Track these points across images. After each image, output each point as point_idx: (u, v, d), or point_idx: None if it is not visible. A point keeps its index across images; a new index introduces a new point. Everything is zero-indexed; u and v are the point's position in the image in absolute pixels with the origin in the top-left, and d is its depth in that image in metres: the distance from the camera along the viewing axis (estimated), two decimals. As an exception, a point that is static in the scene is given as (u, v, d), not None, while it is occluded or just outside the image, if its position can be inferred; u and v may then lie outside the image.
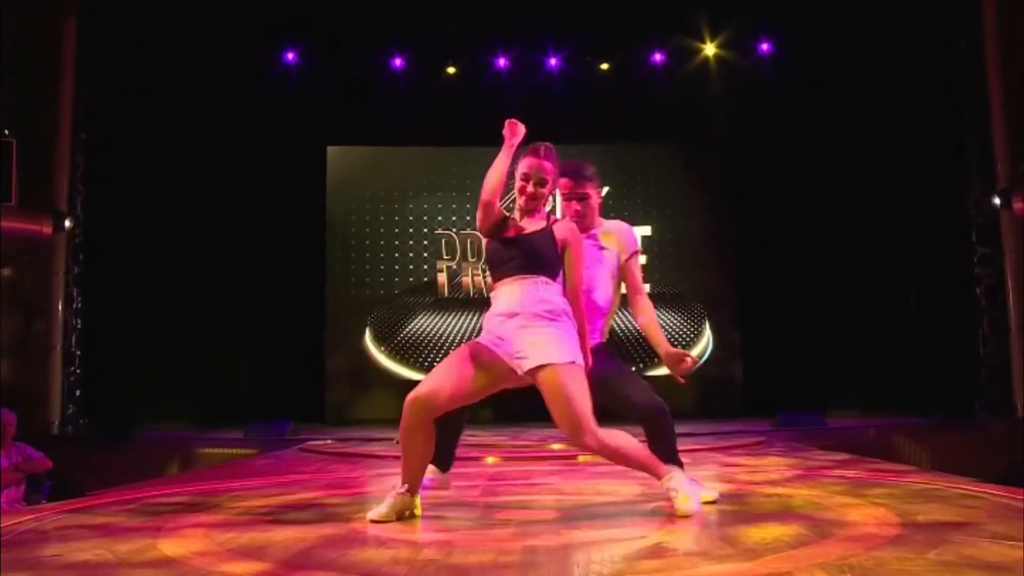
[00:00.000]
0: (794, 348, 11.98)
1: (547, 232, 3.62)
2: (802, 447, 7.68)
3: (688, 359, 3.85)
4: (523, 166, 3.66)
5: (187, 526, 3.46)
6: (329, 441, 8.76)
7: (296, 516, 3.76)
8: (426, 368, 13.24)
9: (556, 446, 7.86)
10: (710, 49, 12.68)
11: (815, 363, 11.82)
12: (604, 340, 4.00)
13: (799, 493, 4.21)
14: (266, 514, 3.80)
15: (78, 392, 11.07)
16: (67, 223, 10.82)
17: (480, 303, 13.56)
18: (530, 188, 3.63)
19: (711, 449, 7.37)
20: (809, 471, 5.35)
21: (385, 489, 5.02)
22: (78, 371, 11.11)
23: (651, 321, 4.00)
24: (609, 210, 14.75)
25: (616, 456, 3.54)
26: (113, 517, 3.73)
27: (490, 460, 6.67)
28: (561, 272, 3.63)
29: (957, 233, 11.29)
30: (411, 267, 13.78)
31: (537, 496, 4.38)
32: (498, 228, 3.63)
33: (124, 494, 4.73)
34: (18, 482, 7.13)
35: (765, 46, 12.61)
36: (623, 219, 4.26)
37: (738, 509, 3.73)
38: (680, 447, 3.84)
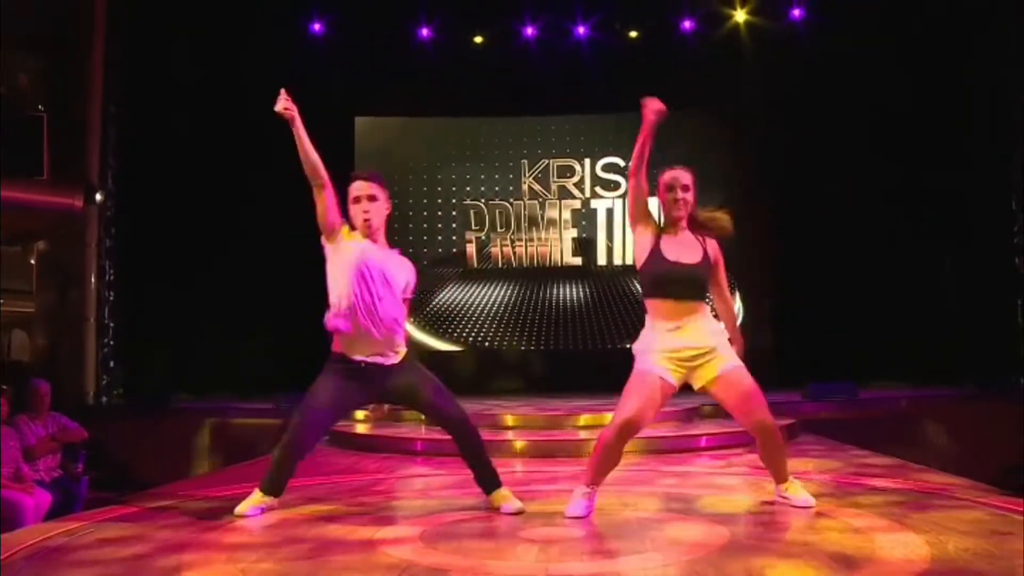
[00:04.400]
0: (826, 317, 11.83)
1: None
2: (823, 441, 7.32)
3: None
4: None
5: (211, 547, 3.49)
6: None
7: (319, 532, 3.78)
8: (455, 339, 13.30)
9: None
10: (740, 15, 12.43)
11: (847, 332, 11.66)
12: None
13: (820, 517, 3.93)
14: (291, 528, 3.83)
15: (111, 363, 11.23)
16: (98, 196, 10.89)
17: (508, 274, 13.56)
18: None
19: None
20: (830, 480, 5.13)
21: (410, 494, 5.08)
22: (111, 342, 11.26)
23: None
24: (638, 180, 14.21)
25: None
26: (133, 546, 3.57)
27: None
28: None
29: (997, 200, 11.09)
30: (440, 238, 13.75)
31: (564, 507, 4.22)
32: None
33: (144, 501, 4.74)
34: (54, 451, 7.26)
35: (796, 11, 12.33)
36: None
37: (760, 536, 3.63)
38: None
